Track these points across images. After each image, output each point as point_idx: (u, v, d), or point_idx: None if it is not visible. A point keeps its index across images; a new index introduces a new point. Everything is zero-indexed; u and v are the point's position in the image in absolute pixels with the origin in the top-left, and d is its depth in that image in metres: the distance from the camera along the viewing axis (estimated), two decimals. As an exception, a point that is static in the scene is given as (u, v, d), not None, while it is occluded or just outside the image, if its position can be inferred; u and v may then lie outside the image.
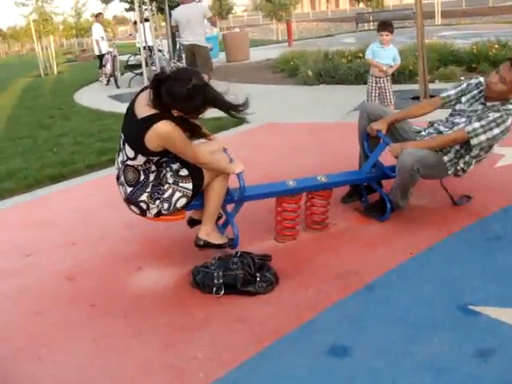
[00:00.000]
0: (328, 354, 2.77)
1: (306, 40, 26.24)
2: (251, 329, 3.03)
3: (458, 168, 4.07)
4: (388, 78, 6.99)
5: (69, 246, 4.29)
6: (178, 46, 12.53)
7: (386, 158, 4.25)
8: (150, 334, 3.09)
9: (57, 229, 4.65)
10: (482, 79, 4.09)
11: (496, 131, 3.81)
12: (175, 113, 3.24)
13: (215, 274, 3.37)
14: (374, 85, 7.02)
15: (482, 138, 3.82)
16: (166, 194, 3.44)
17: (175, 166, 3.49)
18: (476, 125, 3.84)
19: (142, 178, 3.41)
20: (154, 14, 16.80)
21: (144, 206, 3.45)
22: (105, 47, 15.24)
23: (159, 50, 12.96)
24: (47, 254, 4.20)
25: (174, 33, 12.37)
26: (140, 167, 3.38)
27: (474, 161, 4.06)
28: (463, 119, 4.02)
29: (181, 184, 3.46)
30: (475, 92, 4.07)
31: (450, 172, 4.06)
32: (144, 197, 3.43)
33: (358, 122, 4.44)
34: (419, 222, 4.09)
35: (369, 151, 4.35)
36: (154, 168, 3.41)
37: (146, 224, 4.47)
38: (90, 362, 2.91)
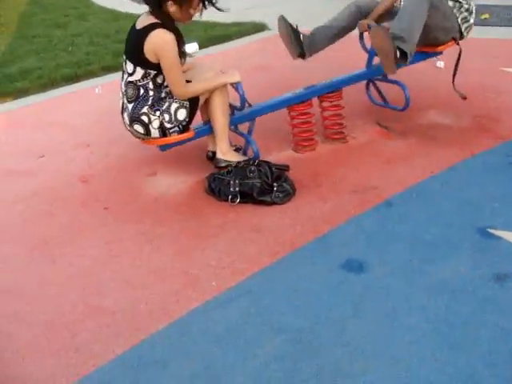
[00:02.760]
0: (342, 269, 2.74)
1: None
2: (266, 239, 3.00)
3: (463, 10, 4.05)
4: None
5: (83, 147, 4.23)
6: None
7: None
8: (163, 239, 3.08)
9: (71, 130, 4.58)
10: None
11: None
12: (170, 6, 3.26)
13: (231, 182, 3.32)
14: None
15: None
16: (165, 106, 3.41)
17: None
18: None
19: (142, 92, 3.38)
20: None
21: (146, 119, 3.39)
22: None
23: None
24: (61, 155, 4.15)
25: None
26: (139, 82, 3.37)
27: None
28: None
29: (175, 96, 3.43)
30: None
31: (458, 17, 4.04)
32: (145, 109, 3.39)
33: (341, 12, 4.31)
34: (441, 141, 3.98)
35: (365, 47, 4.28)
36: (151, 86, 3.38)
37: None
38: (103, 266, 2.91)
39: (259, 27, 7.24)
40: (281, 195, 3.30)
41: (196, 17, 3.42)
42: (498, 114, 4.34)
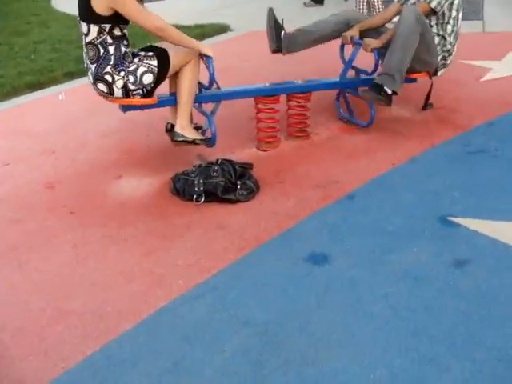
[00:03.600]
0: (306, 262, 2.79)
1: None
2: (231, 236, 3.04)
3: (445, 49, 4.13)
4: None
5: (47, 154, 4.22)
6: None
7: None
8: (130, 241, 3.09)
9: (35, 137, 4.57)
10: None
11: None
12: None
13: (196, 182, 3.35)
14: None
15: None
16: (131, 68, 3.43)
17: (142, 53, 3.51)
18: None
19: (102, 51, 3.38)
20: None
21: (109, 78, 3.40)
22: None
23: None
24: (26, 162, 4.13)
25: None
26: (96, 40, 3.36)
27: (452, 40, 4.14)
28: None
29: (145, 61, 3.45)
30: None
31: (439, 54, 4.12)
32: (108, 68, 3.40)
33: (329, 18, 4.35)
34: (402, 134, 4.06)
35: (343, 59, 4.31)
36: (110, 40, 3.37)
37: (125, 132, 4.42)
38: (71, 269, 2.91)
39: (221, 29, 7.27)
40: (245, 193, 3.34)
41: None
42: (457, 105, 4.45)
